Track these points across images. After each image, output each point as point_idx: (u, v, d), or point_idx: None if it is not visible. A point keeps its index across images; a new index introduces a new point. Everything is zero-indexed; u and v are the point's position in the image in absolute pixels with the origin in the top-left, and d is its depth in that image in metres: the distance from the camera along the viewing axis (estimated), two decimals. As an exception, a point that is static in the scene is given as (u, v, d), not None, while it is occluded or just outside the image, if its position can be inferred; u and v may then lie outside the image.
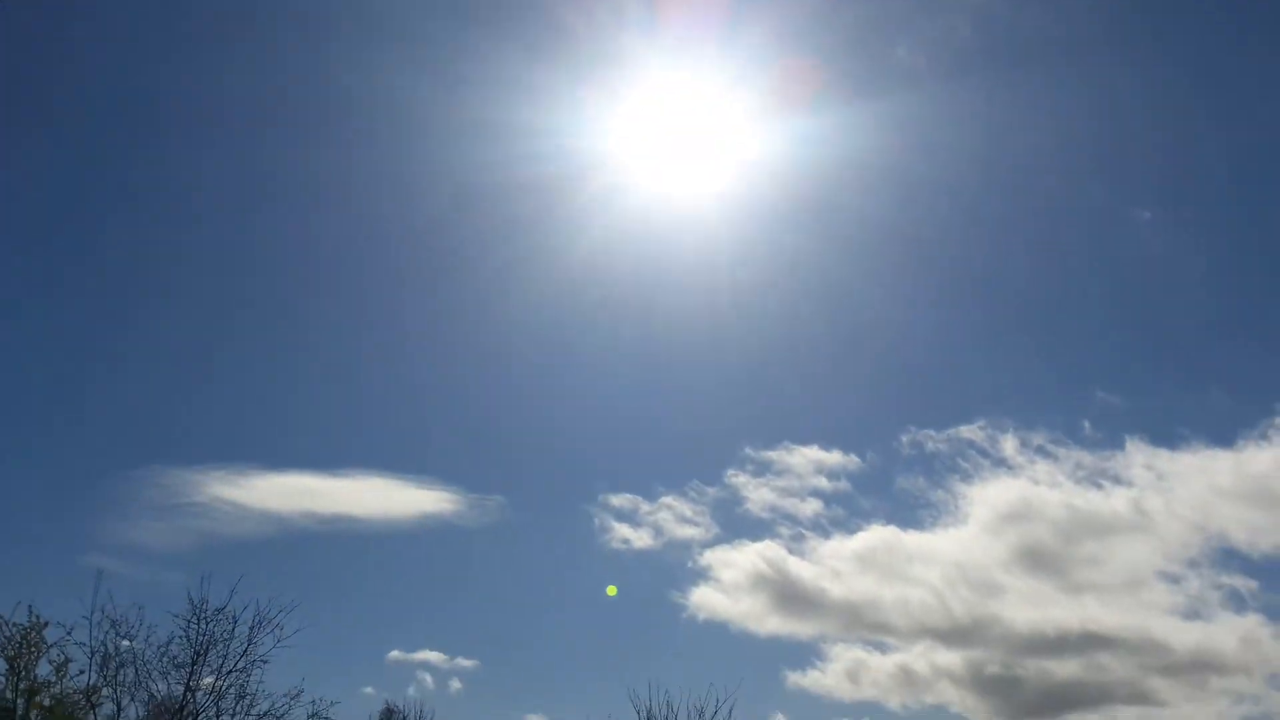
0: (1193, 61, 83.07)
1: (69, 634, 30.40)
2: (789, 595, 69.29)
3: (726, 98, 74.12)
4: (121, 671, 30.74)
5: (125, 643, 30.81)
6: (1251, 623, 63.76)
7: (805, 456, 74.39)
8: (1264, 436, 67.68)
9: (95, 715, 30.80)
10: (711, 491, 74.09)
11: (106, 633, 30.59)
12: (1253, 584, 64.97)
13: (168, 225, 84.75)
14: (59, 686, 30.68)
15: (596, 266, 79.00)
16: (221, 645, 31.25)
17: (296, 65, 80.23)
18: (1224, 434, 78.25)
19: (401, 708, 43.87)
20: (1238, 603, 65.24)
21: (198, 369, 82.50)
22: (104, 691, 30.70)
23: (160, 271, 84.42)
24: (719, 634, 69.09)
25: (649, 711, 33.12)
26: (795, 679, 64.80)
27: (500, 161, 73.14)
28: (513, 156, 72.56)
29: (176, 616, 31.12)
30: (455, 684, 64.32)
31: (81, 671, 30.46)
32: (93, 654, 30.44)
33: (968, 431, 73.09)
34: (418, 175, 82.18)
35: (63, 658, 30.71)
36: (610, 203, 75.80)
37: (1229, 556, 67.17)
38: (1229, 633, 63.40)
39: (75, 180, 79.92)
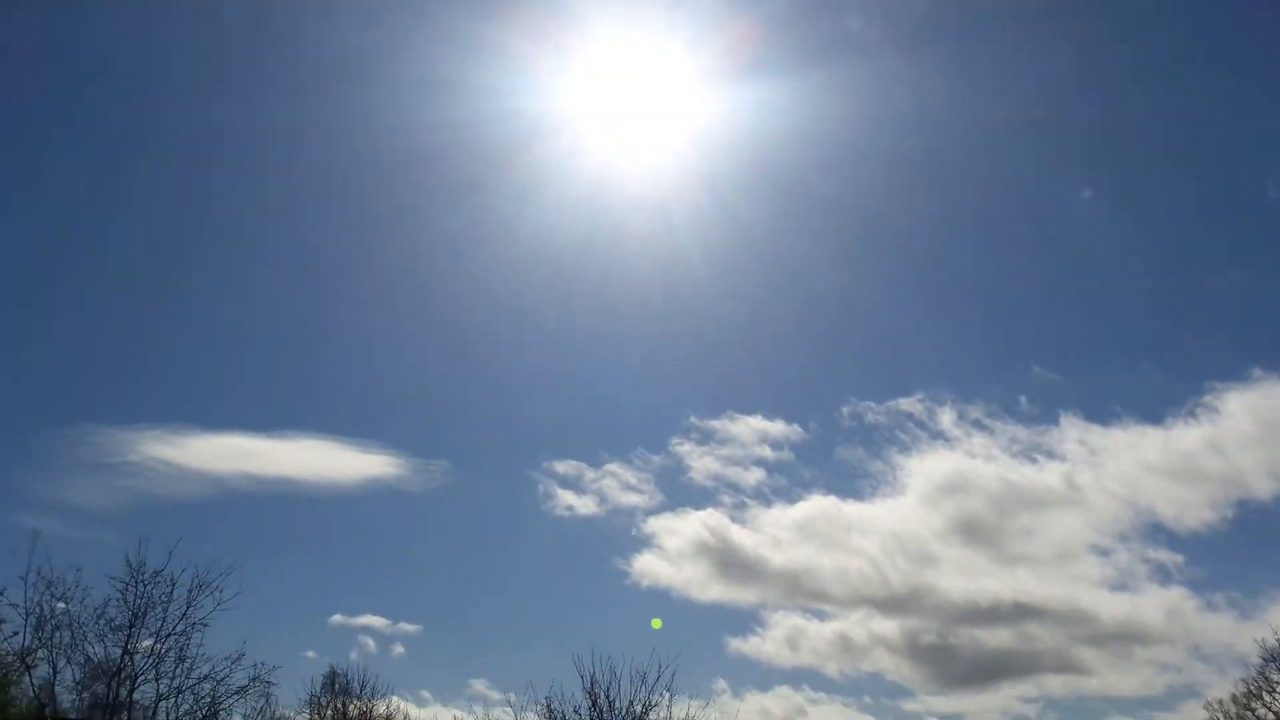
0: (1140, 42, 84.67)
1: (2, 594, 29.64)
2: (731, 563, 70.44)
3: (678, 62, 74.98)
4: (57, 634, 30.17)
5: (60, 605, 30.29)
6: (1176, 595, 66.19)
7: (749, 426, 75.41)
8: (1192, 415, 69.84)
9: (30, 677, 30.34)
10: (656, 459, 74.95)
11: (42, 594, 29.99)
12: (1178, 558, 67.44)
13: (107, 180, 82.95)
14: (-9, 648, 29.76)
15: (546, 232, 79.21)
16: (160, 608, 30.84)
17: (244, 21, 78.82)
18: (1154, 412, 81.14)
19: (344, 672, 43.73)
20: (1163, 576, 67.53)
21: (133, 324, 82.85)
22: (39, 653, 30.13)
23: (97, 226, 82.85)
24: (662, 601, 70.17)
25: (592, 677, 33.14)
26: (736, 645, 66.23)
27: (449, 122, 74.18)
28: (462, 118, 73.07)
29: (114, 579, 30.65)
30: (398, 649, 64.63)
31: (15, 633, 29.82)
32: (27, 615, 29.80)
33: (907, 404, 74.75)
34: (364, 135, 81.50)
35: (-5, 618, 29.75)
36: (562, 168, 76.11)
37: (1156, 531, 69.60)
38: (1154, 605, 65.86)
39: (11, 137, 77.65)
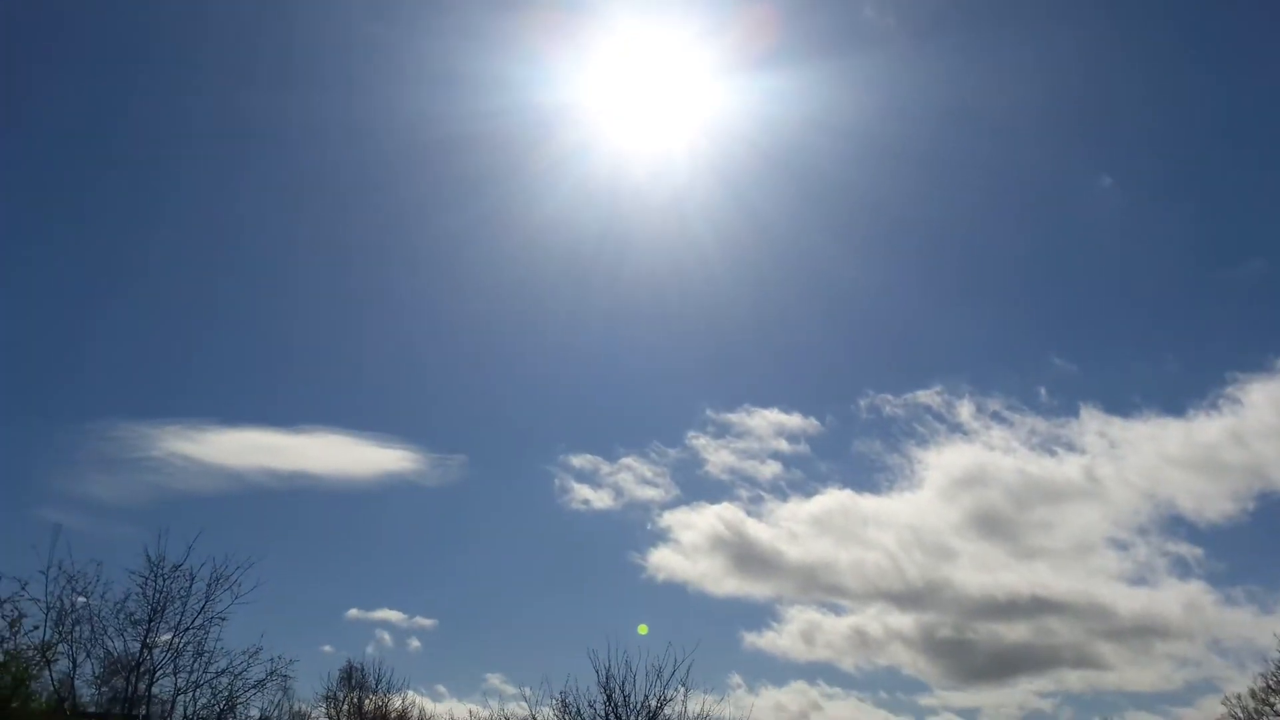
0: (1162, 29, 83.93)
1: (23, 589, 29.29)
2: (746, 557, 71.63)
3: (692, 53, 74.87)
4: (77, 628, 30.20)
5: (81, 599, 30.22)
6: (1195, 589, 66.78)
7: (765, 419, 76.03)
8: (1214, 407, 69.57)
9: (50, 672, 30.20)
10: (672, 453, 75.52)
11: (63, 588, 29.92)
12: (1198, 551, 67.80)
13: (124, 176, 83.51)
14: (12, 642, 29.42)
15: (561, 224, 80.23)
16: (179, 602, 30.91)
17: (262, 13, 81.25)
18: (1175, 403, 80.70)
19: (361, 666, 43.87)
20: (1183, 569, 67.85)
21: (154, 322, 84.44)
22: (59, 648, 30.11)
23: (118, 224, 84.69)
24: (677, 595, 71.69)
25: (608, 672, 33.23)
26: (751, 639, 67.60)
27: (465, 115, 73.93)
28: (478, 111, 73.49)
29: (133, 573, 30.72)
30: (414, 643, 65.93)
31: (36, 627, 29.57)
32: (48, 610, 29.70)
33: (925, 396, 75.46)
34: (381, 128, 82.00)
35: (16, 613, 29.36)
36: (577, 160, 76.68)
37: (1176, 524, 70.23)
38: (1174, 599, 66.50)
39: (39, 135, 77.89)
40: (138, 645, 30.43)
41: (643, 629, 61.61)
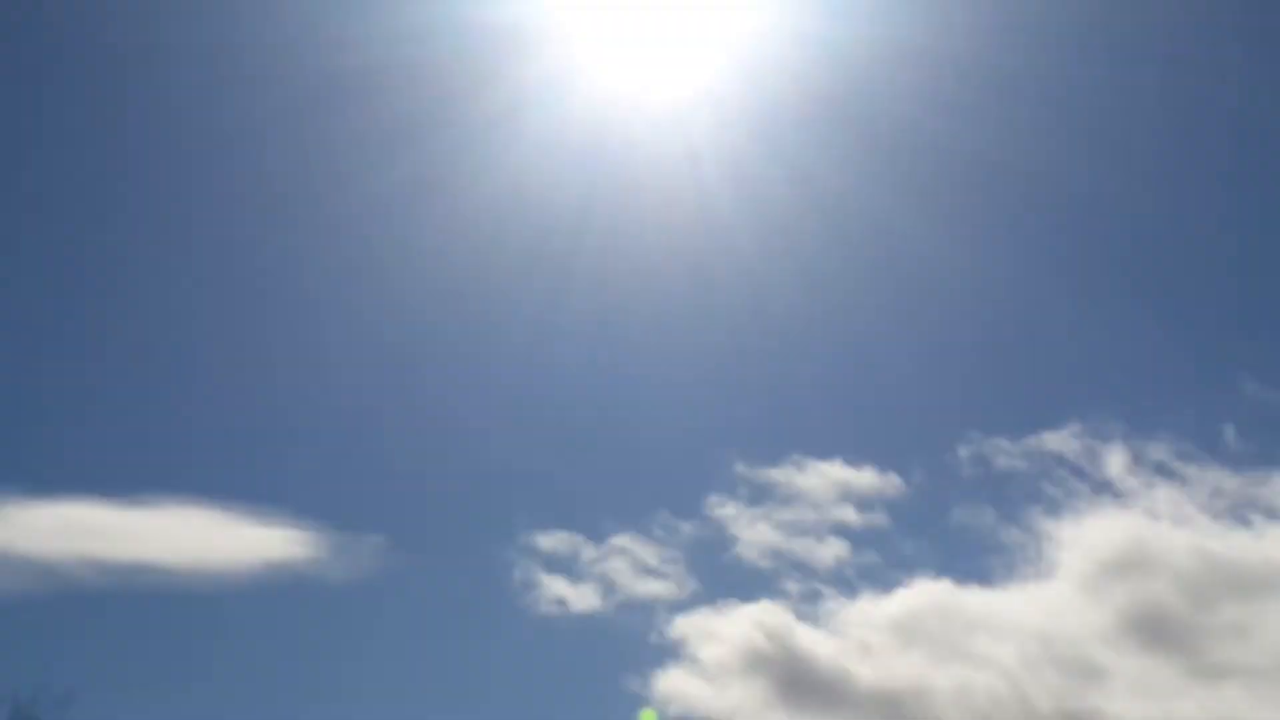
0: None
1: None
2: (798, 680, 58.21)
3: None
4: None
5: None
6: None
7: (824, 476, 63.44)
8: None
9: None
10: (686, 528, 62.71)
11: None
12: None
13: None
14: None
15: (524, 193, 65.39)
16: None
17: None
18: None
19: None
20: None
21: None
22: None
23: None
24: (697, 737, 62.85)
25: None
26: None
27: (386, 37, 60.82)
28: (408, 32, 60.85)
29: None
30: None
31: None
32: None
33: (1055, 440, 62.58)
34: (262, 54, 65.31)
35: None
36: (545, 103, 64.74)
37: None
38: None
39: None
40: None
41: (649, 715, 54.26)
